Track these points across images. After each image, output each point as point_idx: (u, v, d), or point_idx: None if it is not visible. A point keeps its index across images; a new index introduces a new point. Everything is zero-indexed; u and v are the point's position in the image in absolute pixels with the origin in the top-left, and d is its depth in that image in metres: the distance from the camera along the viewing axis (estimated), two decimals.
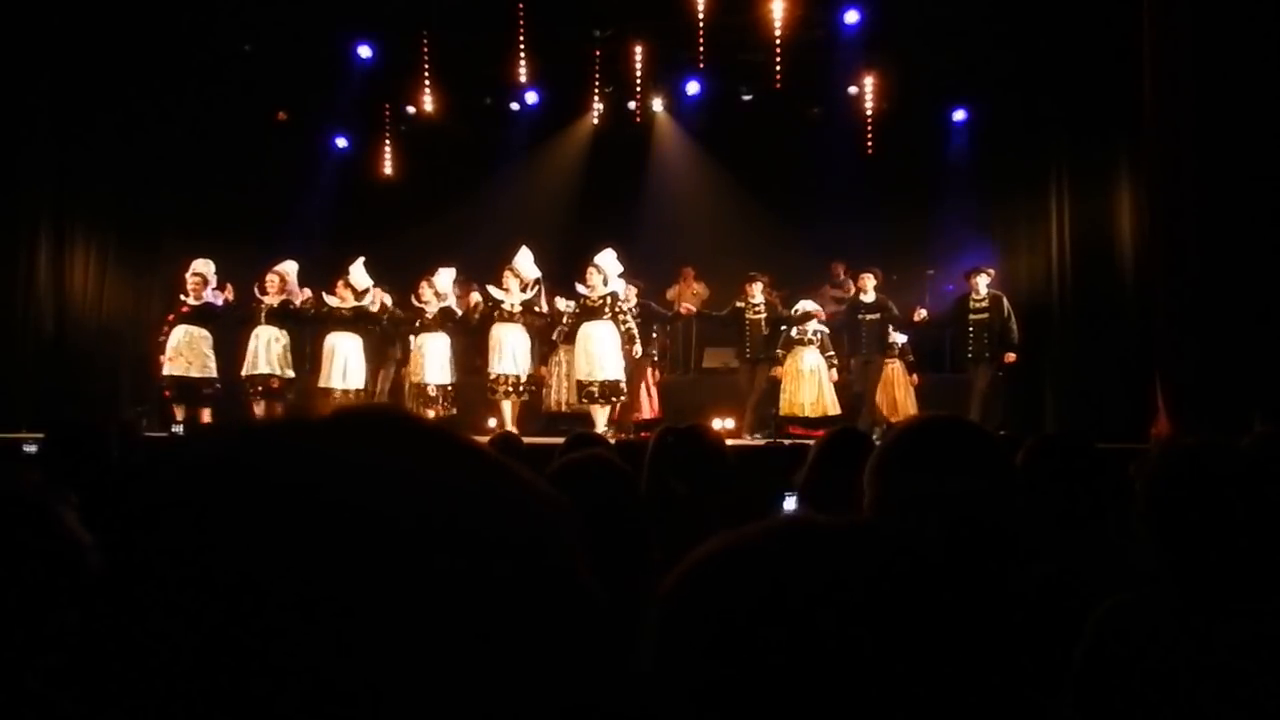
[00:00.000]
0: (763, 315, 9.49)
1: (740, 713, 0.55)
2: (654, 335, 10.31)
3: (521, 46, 11.56)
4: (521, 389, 9.30)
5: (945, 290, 11.38)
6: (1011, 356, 9.12)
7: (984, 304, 9.21)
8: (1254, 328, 6.79)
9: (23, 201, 9.90)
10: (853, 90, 12.13)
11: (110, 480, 2.75)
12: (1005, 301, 9.22)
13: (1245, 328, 6.83)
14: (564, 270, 10.09)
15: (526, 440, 6.45)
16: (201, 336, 9.48)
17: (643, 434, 8.81)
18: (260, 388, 9.53)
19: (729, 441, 5.15)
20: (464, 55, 11.84)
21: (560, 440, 4.56)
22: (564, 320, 9.29)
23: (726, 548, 0.62)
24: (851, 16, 11.19)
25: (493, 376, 9.23)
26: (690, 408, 9.59)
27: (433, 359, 9.51)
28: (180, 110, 10.87)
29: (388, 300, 9.93)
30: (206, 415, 9.47)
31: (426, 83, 12.02)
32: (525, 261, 9.44)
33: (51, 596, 1.38)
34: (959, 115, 11.85)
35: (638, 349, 9.28)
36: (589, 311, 9.11)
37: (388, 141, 13.07)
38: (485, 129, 13.00)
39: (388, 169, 13.04)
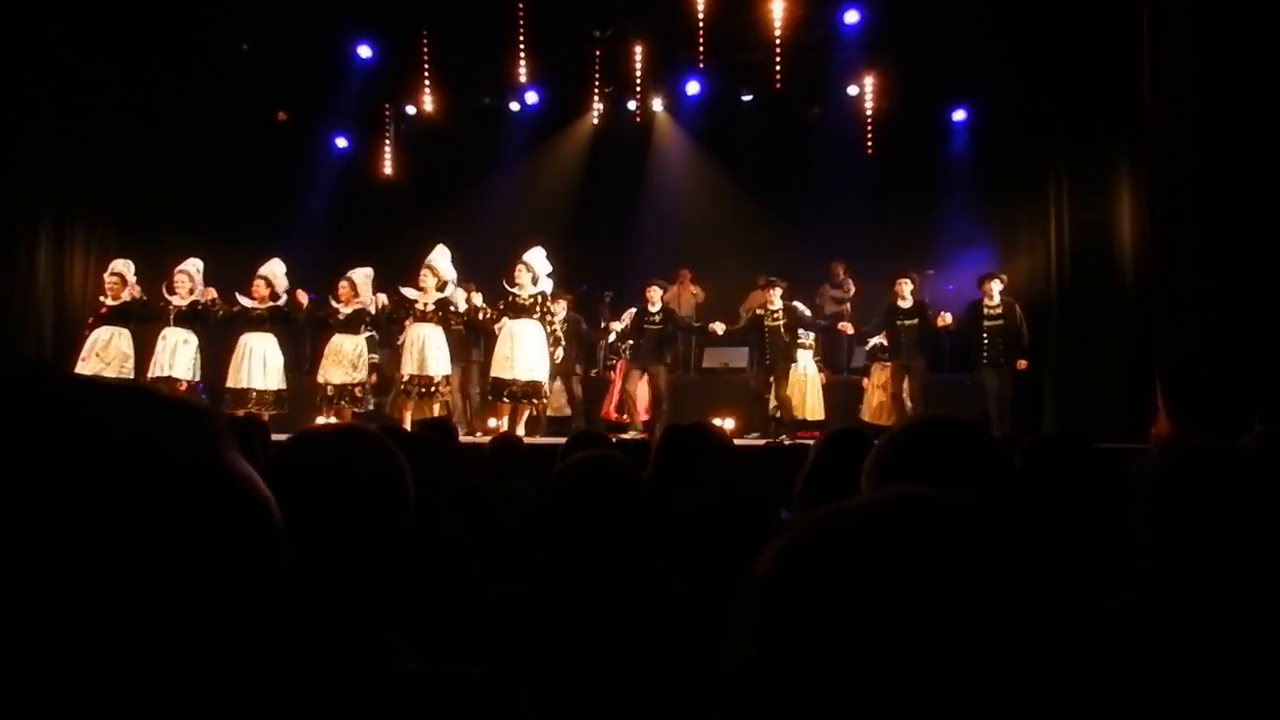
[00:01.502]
0: (781, 322, 9.47)
1: (828, 694, 0.53)
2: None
3: (521, 46, 11.57)
4: (433, 389, 9.09)
5: (946, 290, 11.39)
6: (1024, 363, 9.17)
7: (998, 309, 9.28)
8: (1253, 328, 6.80)
9: (23, 200, 9.90)
10: (853, 90, 12.13)
11: None
12: (1018, 307, 9.28)
13: (1245, 328, 6.83)
14: (563, 270, 10.09)
15: (528, 441, 6.45)
16: (122, 337, 9.28)
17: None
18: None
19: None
20: (464, 55, 11.85)
21: (562, 441, 4.55)
22: (488, 315, 9.24)
23: (821, 522, 0.59)
24: (851, 16, 11.20)
25: (405, 378, 9.04)
26: (692, 407, 9.60)
27: (343, 359, 9.39)
28: (180, 109, 10.88)
29: (303, 299, 9.62)
30: None
31: (426, 83, 12.02)
32: (442, 260, 9.35)
33: None
34: (959, 115, 11.86)
35: (560, 352, 9.29)
36: (516, 309, 9.04)
37: (388, 141, 13.07)
38: (485, 129, 13.00)
39: (388, 169, 13.05)
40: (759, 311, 9.60)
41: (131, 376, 9.20)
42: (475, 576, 2.67)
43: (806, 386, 10.04)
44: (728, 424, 9.43)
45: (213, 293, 9.61)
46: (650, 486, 3.08)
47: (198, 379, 9.42)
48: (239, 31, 11.23)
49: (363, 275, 9.60)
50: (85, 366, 9.11)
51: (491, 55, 11.81)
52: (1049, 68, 9.54)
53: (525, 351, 8.94)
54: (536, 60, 11.86)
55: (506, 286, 9.16)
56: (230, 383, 9.30)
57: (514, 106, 12.85)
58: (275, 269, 9.63)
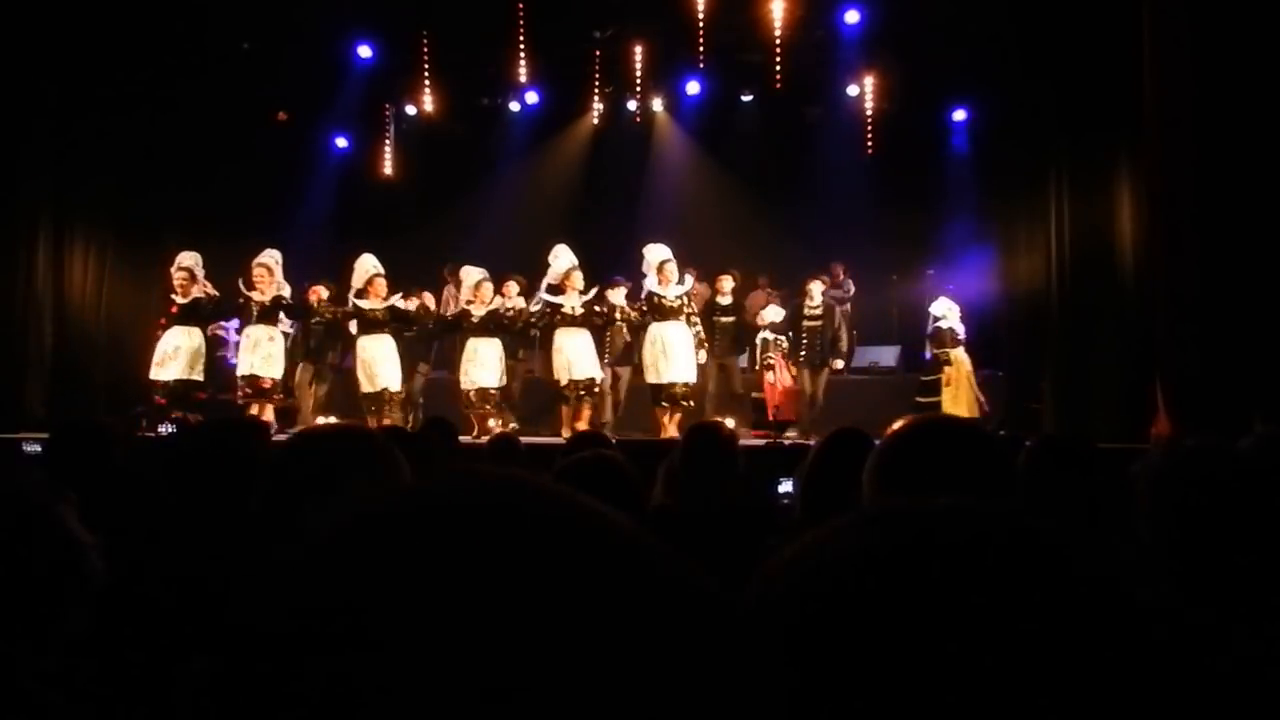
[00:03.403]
0: (619, 320, 9.34)
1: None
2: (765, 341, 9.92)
3: (521, 46, 11.57)
4: (587, 392, 8.97)
5: (946, 290, 11.38)
6: (839, 364, 9.43)
7: (818, 310, 9.45)
8: (1254, 328, 6.79)
9: (22, 201, 9.89)
10: (853, 90, 12.13)
11: (113, 481, 2.75)
12: (838, 310, 9.53)
13: (1245, 328, 6.83)
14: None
15: (528, 440, 6.45)
16: (193, 336, 9.11)
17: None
18: (250, 390, 9.00)
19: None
20: (464, 55, 11.85)
21: (562, 440, 4.56)
22: (629, 317, 9.06)
23: (819, 543, 0.55)
24: (852, 16, 11.20)
25: (563, 383, 8.93)
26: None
27: (490, 362, 9.24)
28: (180, 110, 10.87)
29: (429, 300, 9.59)
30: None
31: (426, 83, 12.02)
32: (568, 259, 9.19)
33: (52, 597, 1.38)
34: (959, 115, 11.86)
35: (703, 354, 9.14)
36: (663, 312, 8.85)
37: (388, 141, 13.08)
38: (485, 129, 13.01)
39: (388, 169, 13.05)
40: (598, 309, 9.44)
41: (202, 378, 9.12)
42: None
43: (963, 384, 9.65)
44: (728, 423, 9.40)
45: (321, 292, 9.40)
46: (682, 486, 3.09)
47: (278, 375, 9.22)
48: (239, 31, 11.22)
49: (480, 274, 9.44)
50: (161, 371, 9.00)
51: (491, 55, 11.81)
52: (1049, 67, 9.52)
53: (679, 354, 8.79)
54: (536, 60, 11.86)
55: (652, 287, 8.95)
56: (365, 388, 9.11)
57: (514, 106, 12.85)
58: (368, 264, 9.32)
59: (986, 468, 1.57)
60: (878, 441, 1.76)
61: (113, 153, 10.45)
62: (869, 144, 12.18)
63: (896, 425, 1.65)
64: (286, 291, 9.31)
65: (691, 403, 8.87)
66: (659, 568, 0.46)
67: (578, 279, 9.08)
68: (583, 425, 8.86)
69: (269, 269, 9.21)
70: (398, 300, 9.42)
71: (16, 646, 1.33)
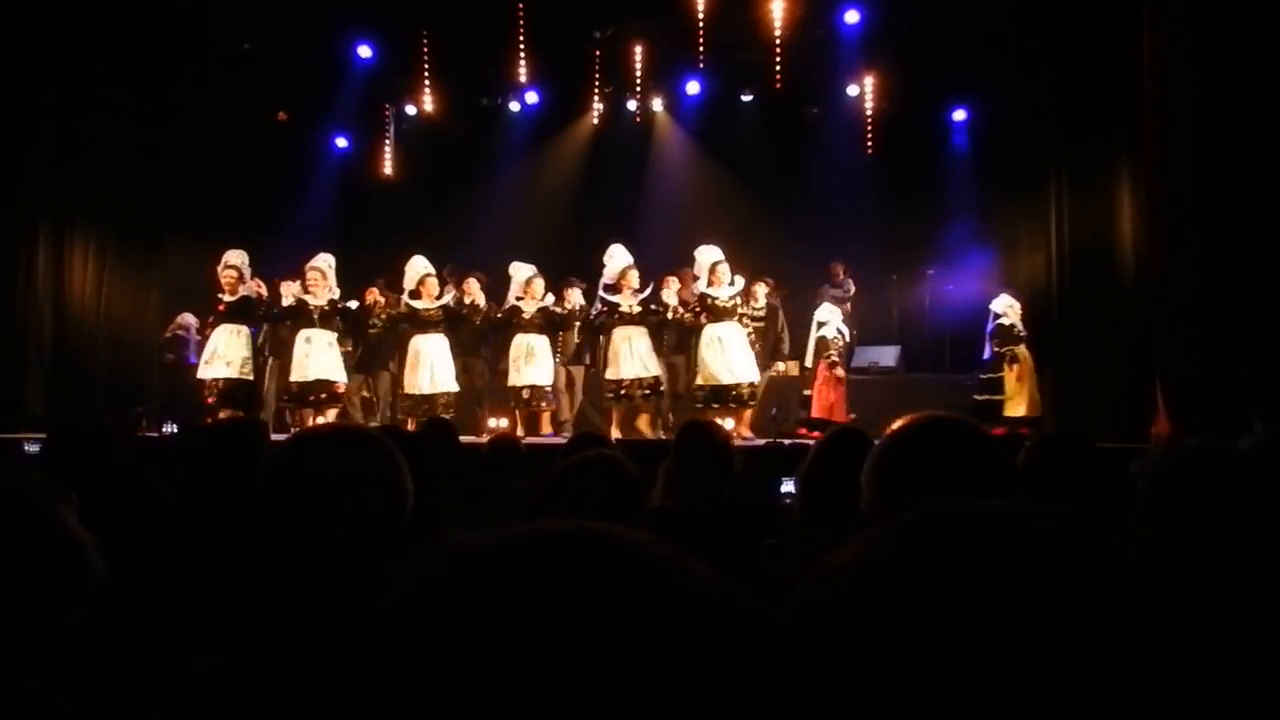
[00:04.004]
0: (674, 318, 9.42)
1: None
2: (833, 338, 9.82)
3: (521, 46, 11.56)
4: (651, 391, 9.05)
5: (946, 290, 11.38)
6: (782, 367, 9.60)
7: (762, 313, 9.58)
8: (1254, 328, 6.79)
9: (22, 201, 9.89)
10: (853, 90, 12.12)
11: (113, 481, 2.75)
12: (780, 313, 9.67)
13: (1245, 328, 6.83)
14: (563, 271, 10.09)
15: (527, 441, 6.44)
16: (241, 335, 9.08)
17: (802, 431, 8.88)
18: (324, 395, 9.00)
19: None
20: (464, 55, 11.85)
21: (562, 440, 4.55)
22: (682, 317, 9.13)
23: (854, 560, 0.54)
24: (851, 16, 11.19)
25: (626, 382, 8.95)
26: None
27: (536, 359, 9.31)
28: (180, 110, 10.87)
29: (480, 299, 9.62)
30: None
31: (426, 83, 12.02)
32: (624, 258, 9.24)
33: (52, 597, 1.38)
34: (959, 115, 11.85)
35: (752, 355, 9.18)
36: (717, 313, 8.91)
37: (388, 141, 13.07)
38: (485, 129, 13.00)
39: (388, 169, 13.04)
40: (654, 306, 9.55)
41: (251, 378, 9.10)
42: None
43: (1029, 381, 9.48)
44: (727, 424, 9.41)
45: (375, 293, 9.49)
46: (679, 487, 3.09)
47: (344, 380, 9.26)
48: (239, 31, 11.22)
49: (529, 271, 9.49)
50: (209, 370, 9.02)
51: (491, 55, 11.80)
52: (1049, 67, 9.53)
53: (739, 355, 8.85)
54: (536, 60, 11.85)
55: (703, 289, 9.00)
56: (408, 389, 9.23)
57: (514, 106, 12.84)
58: (419, 265, 9.42)
59: (985, 467, 1.57)
60: (877, 441, 1.76)
61: (113, 153, 10.45)
62: (869, 144, 12.16)
63: (896, 425, 1.64)
64: (368, 299, 9.41)
65: (755, 403, 8.91)
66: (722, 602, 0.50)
67: (633, 278, 9.14)
68: (644, 426, 9.00)
69: (323, 273, 9.25)
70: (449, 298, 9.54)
71: (16, 646, 1.33)
